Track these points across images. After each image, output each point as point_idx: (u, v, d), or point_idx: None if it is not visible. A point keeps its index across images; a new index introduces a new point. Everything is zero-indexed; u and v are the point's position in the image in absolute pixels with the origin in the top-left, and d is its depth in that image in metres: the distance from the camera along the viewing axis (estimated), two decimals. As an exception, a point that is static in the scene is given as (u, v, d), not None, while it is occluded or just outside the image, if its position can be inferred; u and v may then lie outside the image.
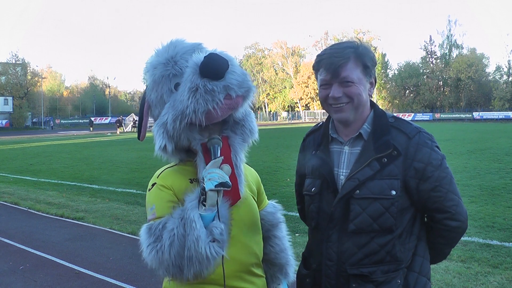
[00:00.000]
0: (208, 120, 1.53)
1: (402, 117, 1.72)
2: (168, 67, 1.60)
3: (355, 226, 1.58)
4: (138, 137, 1.78)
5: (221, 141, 1.60)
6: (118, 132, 41.97)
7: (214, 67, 1.48)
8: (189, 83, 1.50)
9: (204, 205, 1.47)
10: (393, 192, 1.56)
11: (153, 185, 1.65)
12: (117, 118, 49.22)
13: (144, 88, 1.75)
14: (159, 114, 1.63)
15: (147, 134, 1.74)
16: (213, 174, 1.47)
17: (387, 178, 1.56)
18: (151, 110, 1.69)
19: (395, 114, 1.75)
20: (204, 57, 1.50)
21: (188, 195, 1.53)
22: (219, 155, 1.55)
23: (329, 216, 1.63)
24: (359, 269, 1.58)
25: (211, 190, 1.45)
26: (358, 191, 1.58)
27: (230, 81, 1.52)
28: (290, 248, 1.87)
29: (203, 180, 1.48)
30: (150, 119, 1.73)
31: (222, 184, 1.45)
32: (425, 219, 1.70)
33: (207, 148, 1.58)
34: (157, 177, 1.66)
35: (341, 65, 1.59)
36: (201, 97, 1.48)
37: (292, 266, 1.86)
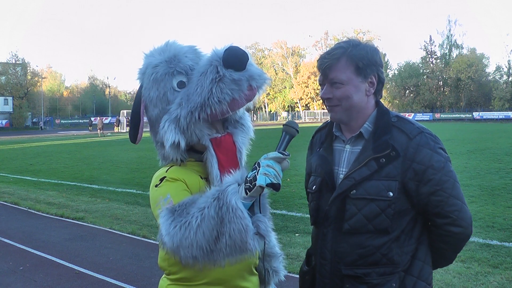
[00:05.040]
0: (232, 109, 1.54)
1: (407, 117, 1.66)
2: (171, 65, 1.61)
3: (350, 226, 1.56)
4: (134, 141, 1.72)
5: (298, 132, 1.54)
6: (116, 131, 42.24)
7: (238, 58, 1.51)
8: (211, 74, 1.51)
9: (247, 193, 1.41)
10: (390, 194, 1.52)
11: (161, 179, 1.59)
12: (116, 117, 49.46)
13: (138, 90, 1.72)
14: (159, 113, 1.61)
15: (143, 135, 1.70)
16: (271, 169, 1.39)
17: (384, 179, 1.53)
18: (148, 110, 1.66)
19: (399, 114, 1.69)
20: (226, 49, 1.52)
21: (226, 176, 1.48)
22: (286, 150, 1.47)
23: (325, 214, 1.62)
24: (353, 270, 1.56)
25: (261, 186, 1.38)
26: (354, 190, 1.55)
27: (252, 72, 1.54)
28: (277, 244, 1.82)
29: (258, 167, 1.41)
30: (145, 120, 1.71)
31: (273, 185, 1.37)
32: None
33: (217, 143, 1.58)
34: (166, 172, 1.61)
35: (329, 66, 1.59)
36: (226, 87, 1.50)
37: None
